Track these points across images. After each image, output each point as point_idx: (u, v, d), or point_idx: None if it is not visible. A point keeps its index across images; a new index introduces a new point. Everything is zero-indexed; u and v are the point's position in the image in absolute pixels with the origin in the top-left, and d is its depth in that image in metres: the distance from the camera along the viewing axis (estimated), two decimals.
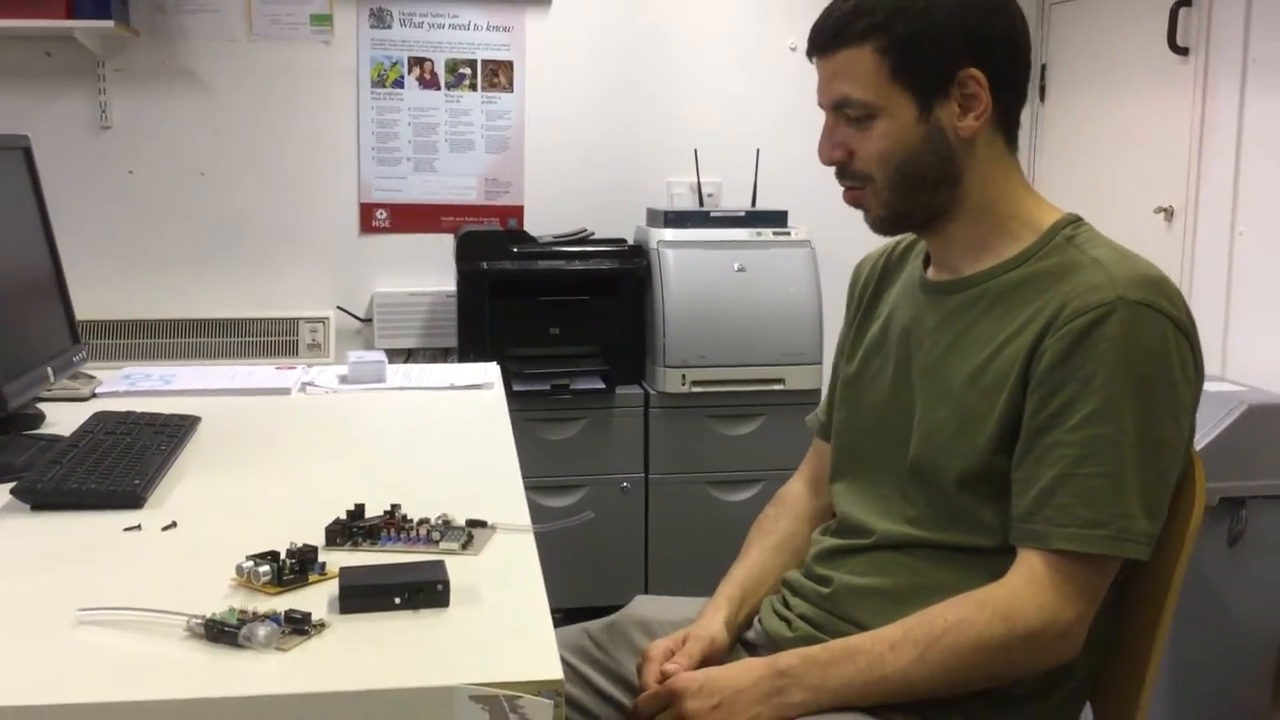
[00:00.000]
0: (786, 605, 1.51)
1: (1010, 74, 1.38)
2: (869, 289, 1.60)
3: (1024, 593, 1.27)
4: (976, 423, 1.34)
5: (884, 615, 1.35)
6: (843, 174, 1.41)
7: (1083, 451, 1.26)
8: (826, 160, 1.41)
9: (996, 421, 1.32)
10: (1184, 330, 1.29)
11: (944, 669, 1.27)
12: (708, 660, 1.43)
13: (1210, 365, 1.37)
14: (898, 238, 1.59)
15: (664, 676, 1.39)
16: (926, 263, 1.50)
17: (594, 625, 1.61)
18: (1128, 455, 1.26)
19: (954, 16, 1.33)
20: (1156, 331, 1.27)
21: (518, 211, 3.78)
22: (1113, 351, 1.26)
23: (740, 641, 1.54)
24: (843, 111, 1.38)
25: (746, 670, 1.33)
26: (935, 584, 1.36)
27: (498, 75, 3.72)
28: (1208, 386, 1.35)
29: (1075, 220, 1.40)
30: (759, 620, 1.55)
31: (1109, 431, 1.26)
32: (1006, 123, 1.40)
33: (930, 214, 1.40)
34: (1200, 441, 2.38)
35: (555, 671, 1.03)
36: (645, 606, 1.64)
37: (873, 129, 1.36)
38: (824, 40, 1.38)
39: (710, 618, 1.50)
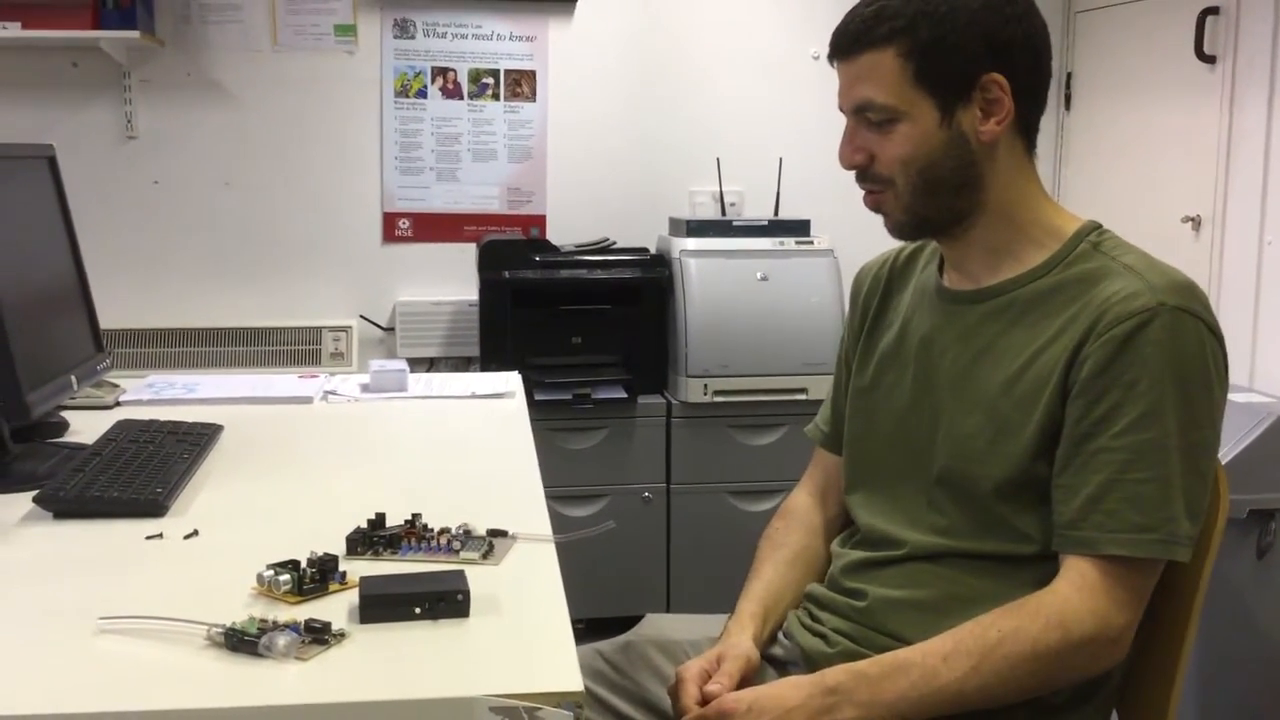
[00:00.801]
0: (816, 620, 1.49)
1: (1032, 81, 1.37)
2: (875, 298, 1.58)
3: (1076, 599, 1.27)
4: (1013, 431, 1.34)
5: (924, 627, 1.34)
6: (863, 178, 1.40)
7: (1129, 457, 1.27)
8: (847, 164, 1.40)
9: (1035, 429, 1.32)
10: (1217, 335, 1.31)
11: (999, 679, 1.26)
12: (745, 679, 1.41)
13: (1238, 376, 1.37)
14: (899, 246, 1.59)
15: (704, 698, 1.37)
16: (939, 271, 1.49)
17: (606, 646, 1.59)
18: (1173, 459, 1.27)
19: (977, 21, 1.32)
20: (1195, 336, 1.28)
21: (540, 221, 3.78)
22: (1156, 357, 1.26)
23: (766, 658, 1.51)
24: (864, 115, 1.37)
25: (794, 689, 1.30)
26: (974, 594, 1.35)
27: (520, 85, 3.73)
28: (1236, 397, 1.35)
29: (1097, 227, 1.40)
30: (784, 635, 1.53)
31: (1154, 436, 1.26)
32: (1027, 130, 1.40)
33: (951, 219, 1.40)
34: (1228, 453, 2.37)
35: (576, 683, 1.03)
36: (659, 626, 1.61)
37: (894, 133, 1.35)
38: (846, 44, 1.37)
39: (739, 636, 1.47)
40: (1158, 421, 1.26)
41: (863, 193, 1.42)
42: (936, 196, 1.37)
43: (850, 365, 1.60)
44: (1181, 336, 1.27)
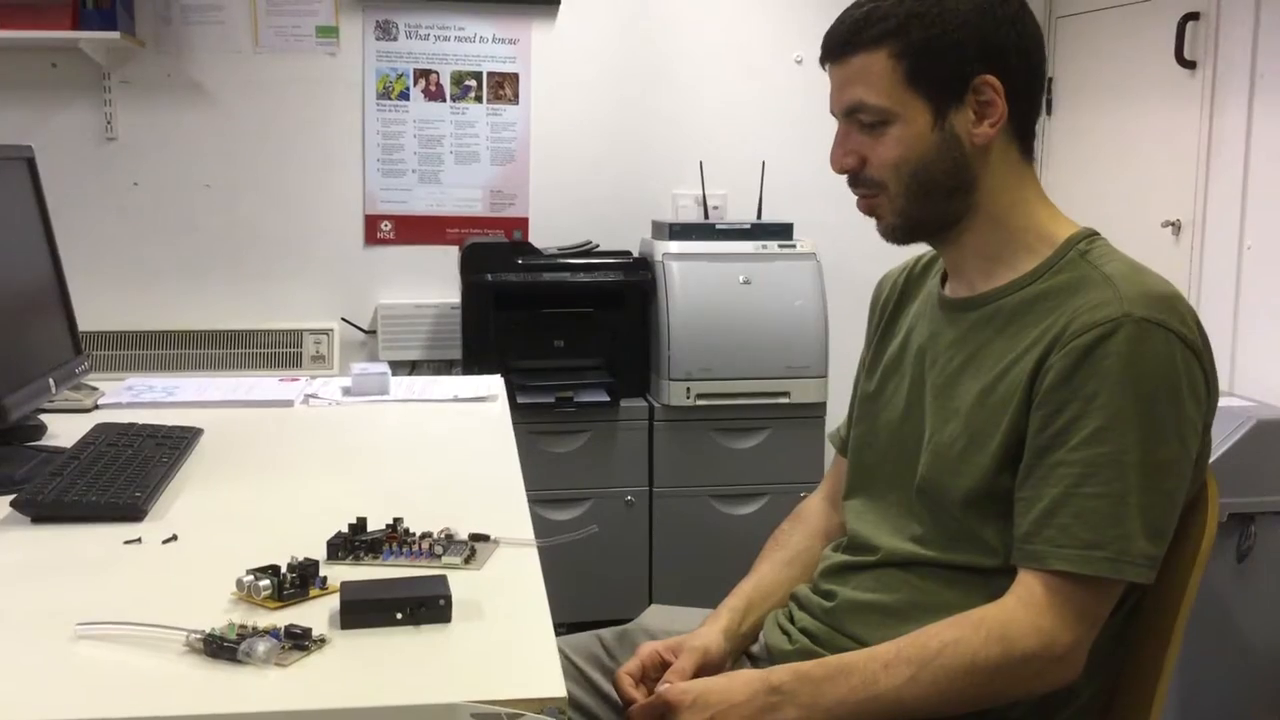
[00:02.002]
0: (790, 619, 1.50)
1: (1024, 83, 1.36)
2: (889, 306, 1.58)
3: (1021, 614, 1.25)
4: (982, 442, 1.33)
5: (883, 631, 1.34)
6: (855, 182, 1.39)
7: (1084, 471, 1.24)
8: (838, 168, 1.39)
9: (1001, 440, 1.31)
10: (1194, 349, 1.27)
11: (936, 690, 1.25)
12: (702, 670, 1.41)
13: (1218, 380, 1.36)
14: (919, 254, 1.58)
15: (643, 673, 1.40)
16: (944, 280, 1.49)
17: (606, 633, 1.60)
18: (1130, 475, 1.23)
19: (969, 23, 1.32)
20: (1164, 350, 1.25)
21: (523, 223, 3.77)
22: (1116, 369, 1.23)
23: (747, 655, 1.52)
24: (856, 118, 1.36)
25: (742, 685, 1.30)
26: (938, 603, 1.34)
27: (503, 87, 3.72)
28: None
29: (1091, 235, 1.38)
30: (763, 633, 1.54)
31: (1110, 451, 1.23)
32: (1022, 133, 1.39)
33: (944, 222, 1.39)
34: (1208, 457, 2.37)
35: (558, 688, 1.02)
36: (657, 617, 1.62)
37: (886, 135, 1.34)
38: (837, 46, 1.36)
39: (708, 627, 1.48)
40: (1115, 437, 1.23)
41: (854, 197, 1.41)
42: (929, 199, 1.36)
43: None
44: (1146, 349, 1.24)
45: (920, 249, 1.51)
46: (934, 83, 1.32)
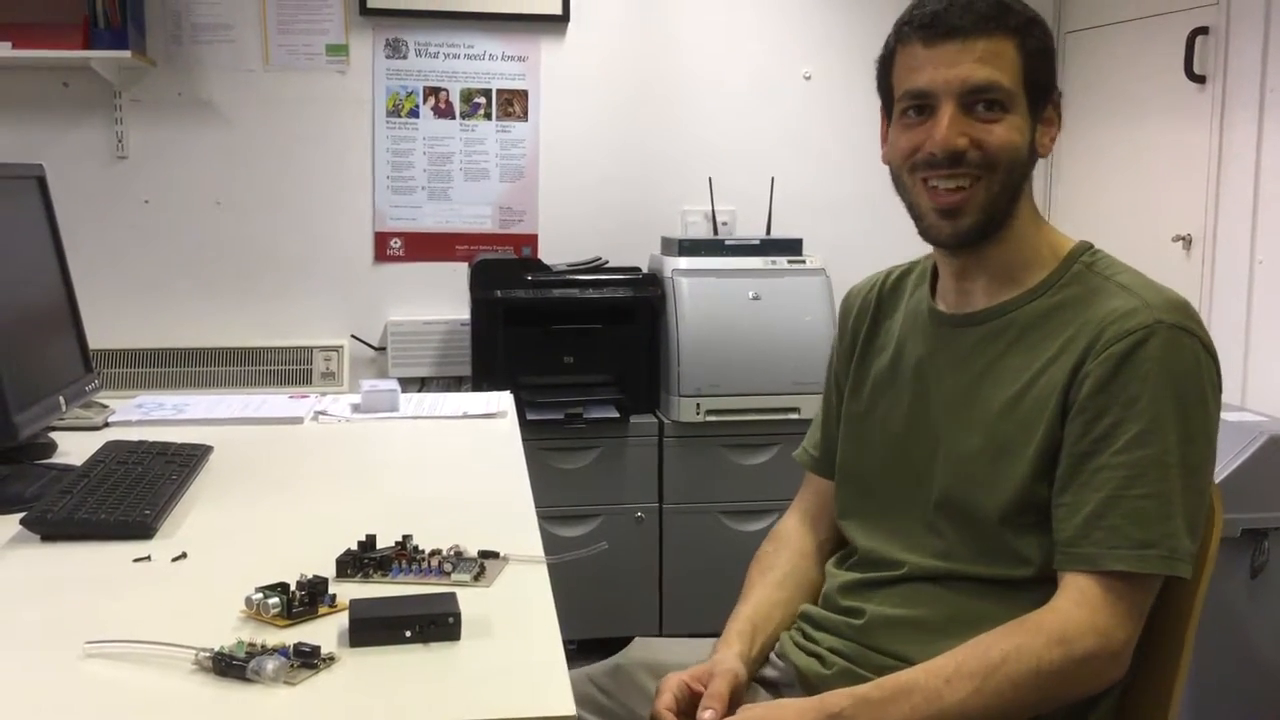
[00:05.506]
0: (810, 640, 1.48)
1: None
2: (865, 322, 1.58)
3: (1077, 616, 1.26)
4: (1014, 453, 1.34)
5: (923, 646, 1.33)
6: (957, 162, 1.34)
7: (1131, 473, 1.27)
8: (948, 147, 1.33)
9: (1036, 450, 1.32)
10: (1212, 355, 1.32)
11: (1001, 699, 1.25)
12: (735, 696, 1.39)
13: (1230, 395, 1.38)
14: (885, 270, 1.60)
15: (677, 706, 1.35)
16: (931, 294, 1.49)
17: (596, 671, 1.57)
18: (1173, 475, 1.27)
19: (1053, 45, 1.39)
20: (1191, 354, 1.29)
21: (532, 240, 3.78)
22: (1155, 374, 1.27)
23: (758, 680, 1.50)
24: (979, 97, 1.34)
25: (796, 713, 1.28)
26: (974, 615, 1.34)
27: (512, 104, 3.73)
28: (1229, 416, 1.35)
29: (1089, 247, 1.41)
30: (777, 656, 1.52)
31: (1155, 452, 1.27)
32: None
33: (998, 228, 1.39)
34: (1221, 472, 2.36)
35: (568, 706, 1.02)
36: (648, 649, 1.59)
37: (1002, 122, 1.35)
38: (972, 21, 1.34)
39: (726, 652, 1.46)
40: (1158, 438, 1.27)
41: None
42: (1008, 199, 1.37)
43: (841, 390, 1.60)
44: (1178, 354, 1.28)
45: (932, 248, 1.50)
46: (1037, 87, 1.37)
